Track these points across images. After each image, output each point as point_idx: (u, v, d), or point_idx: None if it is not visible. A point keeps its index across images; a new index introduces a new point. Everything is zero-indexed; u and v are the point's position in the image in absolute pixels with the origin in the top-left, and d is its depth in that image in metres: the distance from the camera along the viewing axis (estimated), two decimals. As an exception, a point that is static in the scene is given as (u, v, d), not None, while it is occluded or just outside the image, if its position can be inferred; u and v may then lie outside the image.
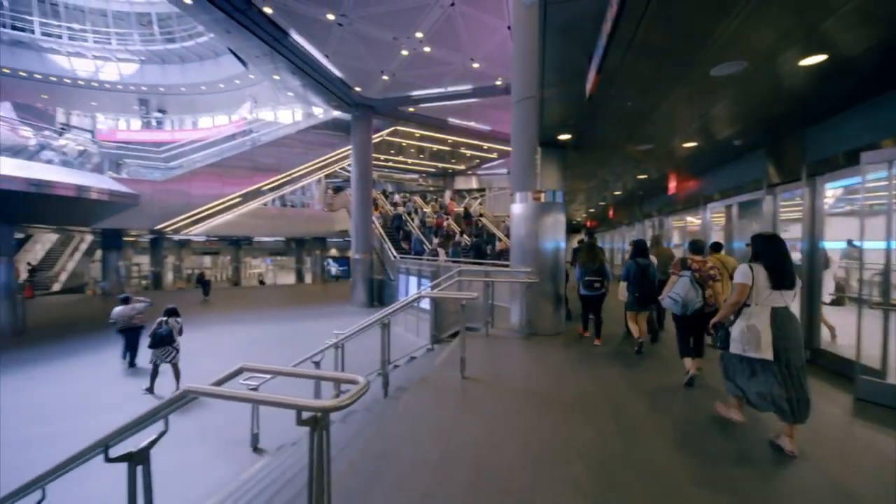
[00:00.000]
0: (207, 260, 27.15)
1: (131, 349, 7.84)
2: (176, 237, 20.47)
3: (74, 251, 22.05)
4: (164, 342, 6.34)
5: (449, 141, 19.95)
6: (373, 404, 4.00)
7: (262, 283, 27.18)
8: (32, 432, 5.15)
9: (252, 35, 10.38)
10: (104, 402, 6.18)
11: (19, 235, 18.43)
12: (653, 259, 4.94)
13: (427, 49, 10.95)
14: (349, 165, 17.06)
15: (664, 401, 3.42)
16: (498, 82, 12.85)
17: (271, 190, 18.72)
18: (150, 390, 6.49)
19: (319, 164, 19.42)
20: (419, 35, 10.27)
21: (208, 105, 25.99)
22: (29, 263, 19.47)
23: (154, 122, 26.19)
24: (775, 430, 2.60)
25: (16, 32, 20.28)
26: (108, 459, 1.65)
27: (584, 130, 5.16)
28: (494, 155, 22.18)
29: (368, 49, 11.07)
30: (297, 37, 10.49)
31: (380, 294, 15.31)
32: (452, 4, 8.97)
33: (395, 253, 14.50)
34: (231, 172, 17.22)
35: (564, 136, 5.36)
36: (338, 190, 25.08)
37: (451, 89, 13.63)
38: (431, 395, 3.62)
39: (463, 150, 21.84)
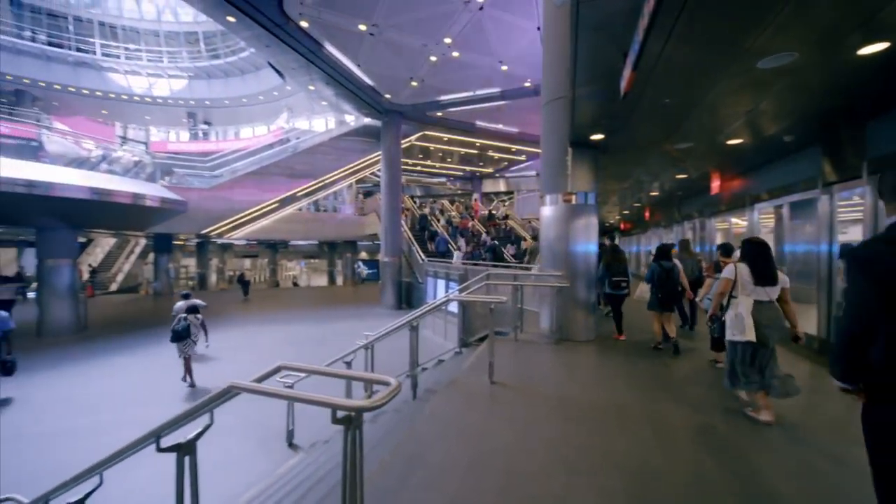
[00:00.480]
0: (248, 262, 28.73)
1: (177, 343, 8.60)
2: (219, 241, 21.75)
3: (130, 254, 23.98)
4: (182, 337, 6.81)
5: (477, 144, 19.94)
6: (402, 406, 4.05)
7: (295, 284, 28.31)
8: (89, 421, 5.61)
9: (289, 48, 10.90)
10: (154, 395, 6.64)
11: (82, 239, 20.27)
12: (677, 262, 5.10)
13: (455, 54, 11.04)
14: (379, 170, 17.44)
15: (703, 408, 3.23)
16: (527, 84, 12.73)
17: (306, 195, 19.45)
18: (191, 384, 6.95)
19: (351, 170, 19.98)
20: (447, 40, 10.38)
21: (249, 116, 27.48)
22: (90, 265, 21.37)
23: (201, 134, 27.99)
24: (754, 406, 3.03)
25: (80, 54, 22.36)
26: (160, 449, 1.76)
27: (617, 130, 5.00)
28: (523, 157, 21.95)
29: (398, 56, 11.31)
30: (330, 48, 10.90)
31: (408, 296, 15.49)
32: (481, 8, 9.00)
33: (422, 256, 14.65)
34: (269, 179, 18.08)
35: (597, 136, 5.22)
36: (368, 194, 25.74)
37: (479, 92, 13.65)
38: (460, 399, 3.62)
39: (491, 153, 21.75)
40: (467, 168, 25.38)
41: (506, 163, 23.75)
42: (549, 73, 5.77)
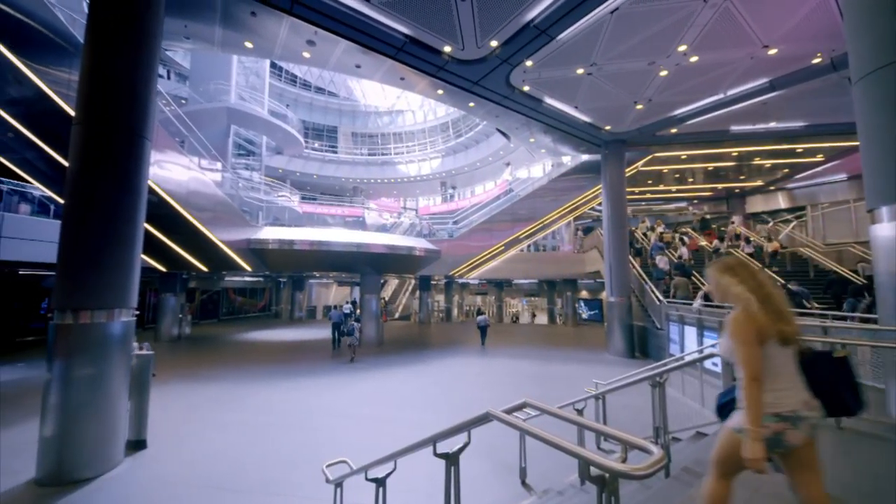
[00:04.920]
0: (479, 299, 33.22)
1: (482, 334, 15.11)
2: (460, 281, 26.19)
3: (406, 291, 32.61)
4: (350, 334, 12.55)
5: (733, 154, 15.75)
6: (650, 479, 3.39)
7: (514, 320, 30.23)
8: (387, 412, 7.57)
9: (513, 112, 12.46)
10: (422, 401, 8.31)
11: (381, 281, 29.12)
12: None
13: (693, 59, 9.46)
14: (599, 205, 16.58)
15: None
16: (816, 60, 9.26)
17: (527, 237, 20.76)
18: (352, 359, 12.34)
19: (569, 208, 19.93)
20: (682, 48, 9.08)
21: (482, 176, 33.16)
22: (383, 299, 30.24)
23: (448, 196, 35.72)
24: None
25: (383, 157, 34.45)
26: (436, 454, 2.18)
27: None
28: (819, 157, 15.58)
29: (618, 85, 10.78)
30: (549, 100, 11.69)
31: (642, 344, 13.34)
32: (726, -3, 7.46)
33: (659, 297, 12.42)
34: (497, 226, 20.52)
35: None
36: (587, 230, 24.79)
37: (732, 92, 10.98)
38: (744, 497, 2.67)
39: (758, 161, 16.62)
40: (719, 186, 20.32)
41: (785, 169, 17.49)
42: (863, 35, 4.00)
